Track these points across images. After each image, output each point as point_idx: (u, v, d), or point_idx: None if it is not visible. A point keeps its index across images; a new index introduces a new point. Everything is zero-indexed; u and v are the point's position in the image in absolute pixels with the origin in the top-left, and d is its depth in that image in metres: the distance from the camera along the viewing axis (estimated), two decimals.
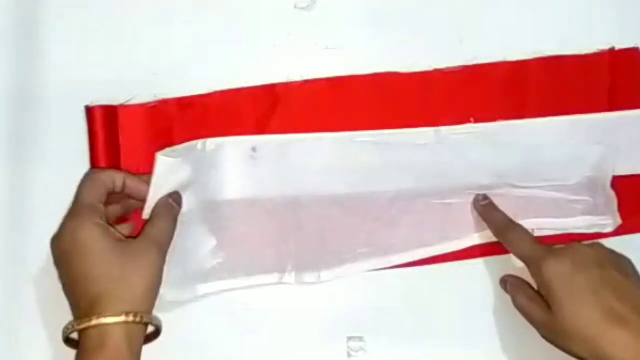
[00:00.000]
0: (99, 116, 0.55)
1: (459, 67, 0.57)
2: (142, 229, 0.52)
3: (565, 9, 0.58)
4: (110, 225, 0.52)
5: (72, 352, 0.54)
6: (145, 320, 0.49)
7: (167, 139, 0.56)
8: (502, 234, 0.55)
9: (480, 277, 0.57)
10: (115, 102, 0.56)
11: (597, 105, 0.57)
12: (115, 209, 0.54)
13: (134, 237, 0.52)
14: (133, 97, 0.56)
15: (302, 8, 0.58)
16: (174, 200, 0.54)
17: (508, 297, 0.55)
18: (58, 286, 0.55)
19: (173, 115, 0.56)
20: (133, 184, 0.53)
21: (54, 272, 0.55)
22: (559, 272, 0.51)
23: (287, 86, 0.56)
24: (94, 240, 0.50)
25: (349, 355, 0.56)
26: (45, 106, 0.56)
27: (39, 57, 0.56)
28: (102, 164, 0.55)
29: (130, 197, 0.54)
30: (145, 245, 0.51)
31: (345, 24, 0.58)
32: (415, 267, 0.56)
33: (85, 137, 0.56)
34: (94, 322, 0.48)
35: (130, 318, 0.48)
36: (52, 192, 0.56)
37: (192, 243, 0.55)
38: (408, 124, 0.56)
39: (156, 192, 0.53)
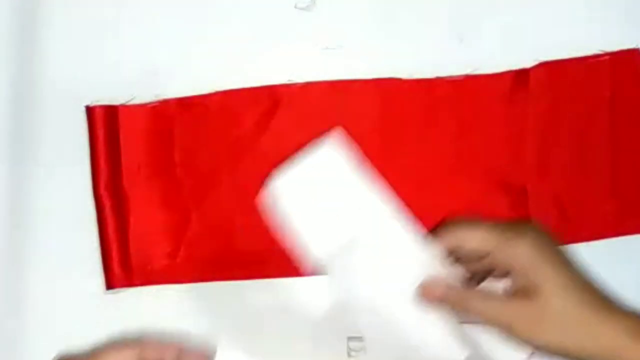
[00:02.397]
0: (99, 116, 0.56)
1: (462, 75, 0.57)
2: None
3: (565, 8, 0.58)
4: None
5: (71, 351, 0.54)
6: None
7: (167, 139, 0.56)
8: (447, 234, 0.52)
9: None
10: (115, 102, 0.56)
11: (598, 108, 0.57)
12: None
13: None
14: (133, 97, 0.56)
15: (302, 8, 0.58)
16: None
17: None
18: (58, 286, 0.55)
19: (173, 116, 0.56)
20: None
21: (53, 272, 0.55)
22: (535, 250, 0.49)
23: (288, 88, 0.56)
24: None
25: (349, 355, 0.56)
26: (45, 106, 0.56)
27: (39, 57, 0.56)
28: (103, 164, 0.55)
29: None
30: None
31: (345, 24, 0.58)
32: None
33: (85, 137, 0.56)
34: None
35: None
36: (52, 192, 0.56)
37: None
38: (409, 131, 0.56)
39: None
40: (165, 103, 0.56)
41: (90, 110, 0.56)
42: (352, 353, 0.56)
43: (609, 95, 0.57)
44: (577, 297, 0.48)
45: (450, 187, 0.57)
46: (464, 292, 0.51)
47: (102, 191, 0.55)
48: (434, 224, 0.56)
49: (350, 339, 0.56)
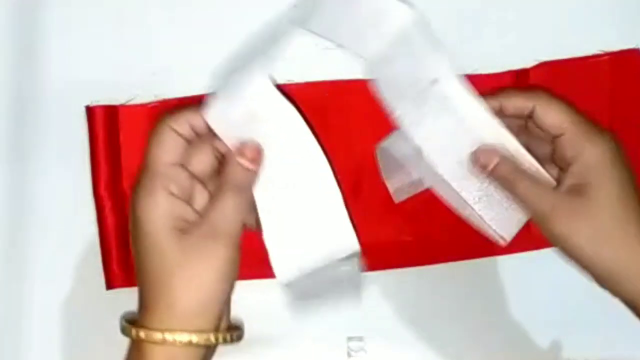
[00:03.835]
0: (99, 116, 0.55)
1: (461, 75, 0.56)
2: (207, 206, 0.46)
3: (565, 8, 0.58)
4: (198, 184, 0.47)
5: (71, 351, 0.54)
6: (206, 342, 0.45)
7: None
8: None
9: (481, 277, 0.57)
10: (115, 102, 0.56)
11: (599, 108, 0.57)
12: (203, 159, 0.48)
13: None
14: (133, 97, 0.56)
15: None
16: (250, 158, 0.46)
17: (510, 297, 0.55)
18: (57, 286, 0.55)
19: None
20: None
21: (53, 272, 0.55)
22: (608, 153, 0.47)
23: (288, 88, 0.56)
24: (154, 229, 0.45)
25: (349, 355, 0.56)
26: (45, 106, 0.56)
27: (39, 57, 0.56)
28: (103, 164, 0.55)
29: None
30: (207, 240, 0.45)
31: None
32: (416, 267, 0.56)
33: (85, 137, 0.56)
34: (141, 334, 0.45)
35: (182, 337, 0.44)
36: (52, 193, 0.56)
37: None
38: None
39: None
40: (165, 103, 0.56)
41: (90, 110, 0.56)
42: (352, 353, 0.56)
43: (609, 95, 0.57)
44: (629, 212, 0.47)
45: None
46: (516, 169, 0.49)
47: (102, 191, 0.55)
48: (434, 225, 0.56)
49: (350, 339, 0.56)
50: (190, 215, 0.47)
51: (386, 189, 0.56)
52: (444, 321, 0.56)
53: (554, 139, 0.50)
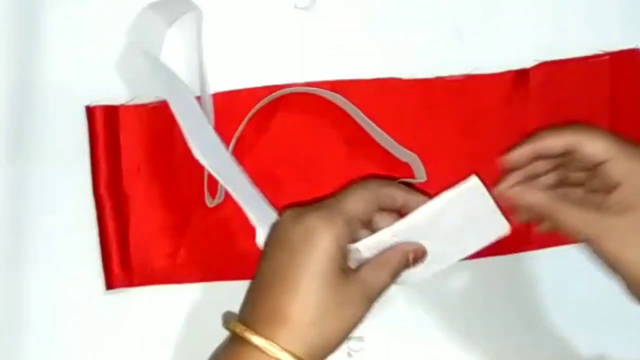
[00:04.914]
0: (99, 116, 0.56)
1: (462, 75, 0.57)
2: (362, 267, 0.48)
3: (565, 8, 0.58)
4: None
5: (71, 351, 0.54)
6: None
7: (167, 139, 0.56)
8: None
9: (482, 276, 0.57)
10: (115, 102, 0.56)
11: (599, 108, 0.57)
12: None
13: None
14: (133, 97, 0.56)
15: (302, 8, 0.58)
16: (415, 256, 0.50)
17: (511, 297, 0.55)
18: (58, 286, 0.55)
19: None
20: (415, 205, 0.49)
21: (54, 272, 0.55)
22: None
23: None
24: (321, 257, 0.46)
25: (349, 355, 0.56)
26: (45, 106, 0.56)
27: (39, 57, 0.56)
28: (103, 164, 0.55)
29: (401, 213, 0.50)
30: (357, 296, 0.47)
31: (345, 24, 0.58)
32: None
33: (85, 137, 0.56)
34: (265, 345, 0.45)
35: None
36: (52, 193, 0.56)
37: None
38: (409, 130, 0.56)
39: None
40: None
41: (90, 110, 0.56)
42: (352, 353, 0.56)
43: (609, 95, 0.57)
44: None
45: (450, 187, 0.57)
46: (558, 199, 0.50)
47: (102, 191, 0.55)
48: None
49: (350, 338, 0.56)
50: (346, 261, 0.48)
51: None
52: (444, 321, 0.56)
53: (595, 166, 0.49)
